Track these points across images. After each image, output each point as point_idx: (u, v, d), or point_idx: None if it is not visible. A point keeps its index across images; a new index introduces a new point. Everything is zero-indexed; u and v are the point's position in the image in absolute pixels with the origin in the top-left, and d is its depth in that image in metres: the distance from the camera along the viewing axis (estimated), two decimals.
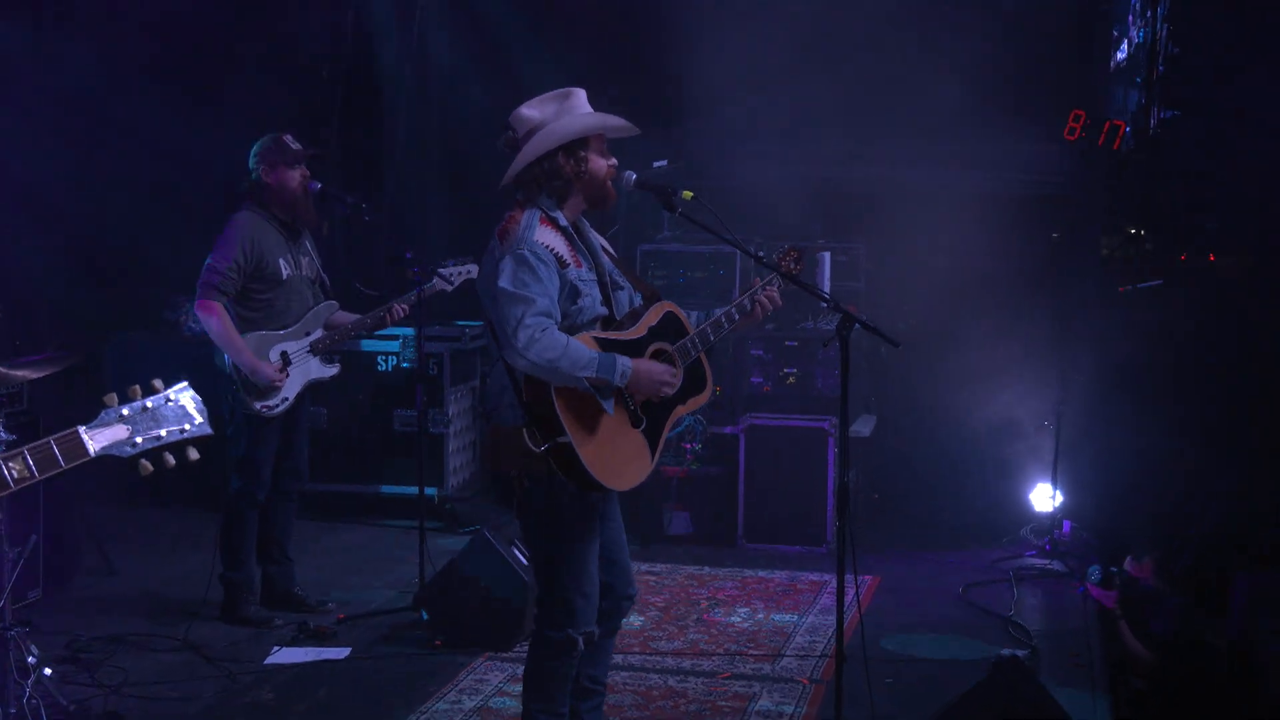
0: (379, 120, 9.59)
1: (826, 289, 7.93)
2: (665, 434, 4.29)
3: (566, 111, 4.24)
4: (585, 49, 8.92)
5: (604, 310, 4.28)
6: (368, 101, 9.51)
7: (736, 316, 4.43)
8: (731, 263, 8.09)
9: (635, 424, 4.20)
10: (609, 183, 4.31)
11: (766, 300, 4.44)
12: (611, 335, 4.21)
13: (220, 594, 6.31)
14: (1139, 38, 8.24)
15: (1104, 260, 8.94)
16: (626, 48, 8.95)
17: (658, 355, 4.26)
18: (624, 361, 4.11)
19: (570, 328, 4.14)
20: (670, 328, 4.35)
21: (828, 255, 8.15)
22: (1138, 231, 9.24)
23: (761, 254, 4.59)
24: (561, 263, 4.14)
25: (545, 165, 4.22)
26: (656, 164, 8.12)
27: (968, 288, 8.29)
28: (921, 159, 8.60)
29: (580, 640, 4.27)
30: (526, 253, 4.08)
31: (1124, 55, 9.03)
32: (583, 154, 4.24)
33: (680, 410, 4.34)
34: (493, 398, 4.25)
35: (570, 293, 4.16)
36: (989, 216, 8.48)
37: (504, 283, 4.05)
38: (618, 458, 4.15)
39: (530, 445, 4.05)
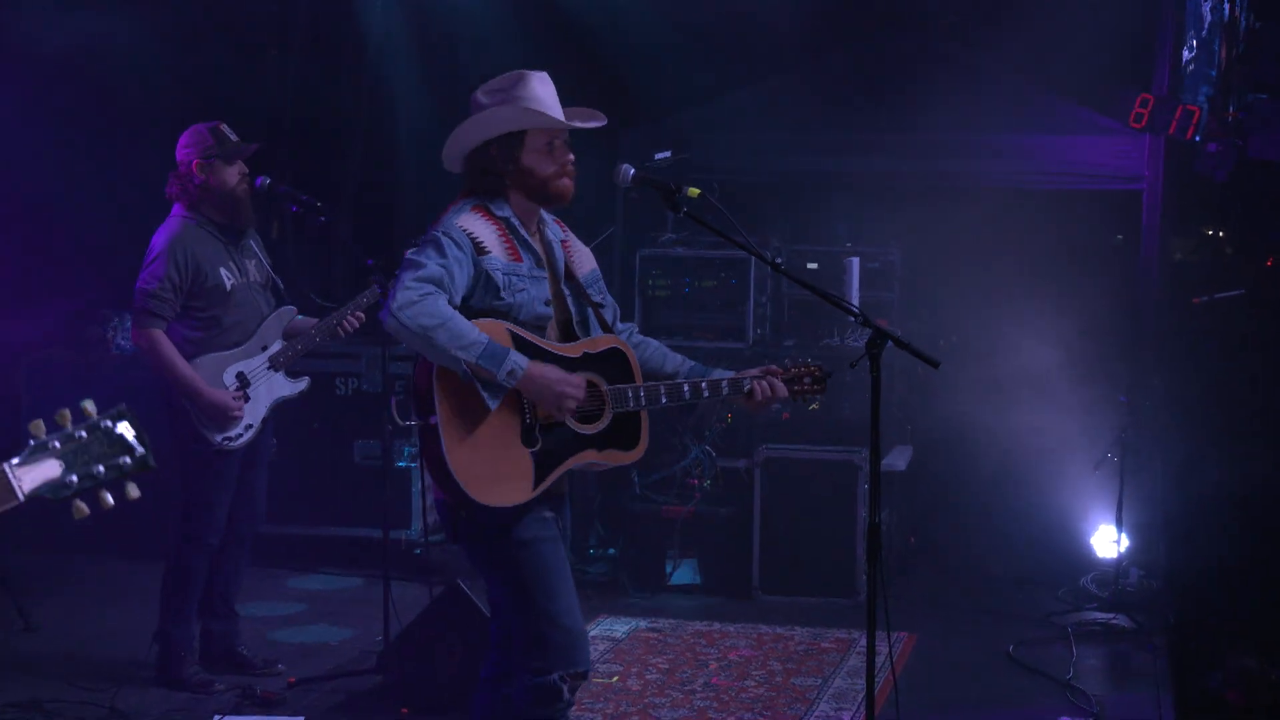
0: (338, 106, 9.62)
1: (855, 300, 7.94)
2: (562, 469, 4.28)
3: (510, 100, 4.32)
4: (573, 22, 8.96)
5: (549, 312, 4.34)
6: (324, 84, 9.53)
7: (724, 391, 4.42)
8: (744, 269, 8.09)
9: (527, 441, 4.22)
10: (557, 182, 4.37)
11: (768, 388, 4.45)
12: (534, 339, 4.26)
13: (154, 653, 6.29)
14: (1210, 15, 8.27)
15: (1176, 266, 8.96)
16: (621, 21, 8.97)
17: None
18: (518, 358, 4.14)
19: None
20: (614, 366, 4.39)
21: (856, 261, 8.16)
22: (1215, 233, 9.26)
23: (779, 260, 4.62)
24: (479, 249, 4.24)
25: (479, 157, 4.37)
26: (659, 156, 8.14)
27: (1017, 299, 8.29)
28: (965, 151, 8.62)
29: (565, 688, 4.27)
30: (439, 234, 4.23)
31: (1200, 29, 9.05)
32: (515, 149, 4.34)
33: (592, 456, 4.33)
34: None
35: (486, 283, 4.23)
36: (1042, 216, 8.50)
37: (409, 257, 4.20)
38: (488, 466, 4.17)
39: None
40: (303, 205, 6.40)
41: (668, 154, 8.24)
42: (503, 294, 4.25)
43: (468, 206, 4.32)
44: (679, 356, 4.56)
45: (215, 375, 6.08)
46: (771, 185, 8.89)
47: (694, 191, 4.37)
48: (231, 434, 6.11)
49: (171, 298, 6.03)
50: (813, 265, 8.35)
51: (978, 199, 8.50)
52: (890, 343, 4.27)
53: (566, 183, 4.38)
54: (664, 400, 4.39)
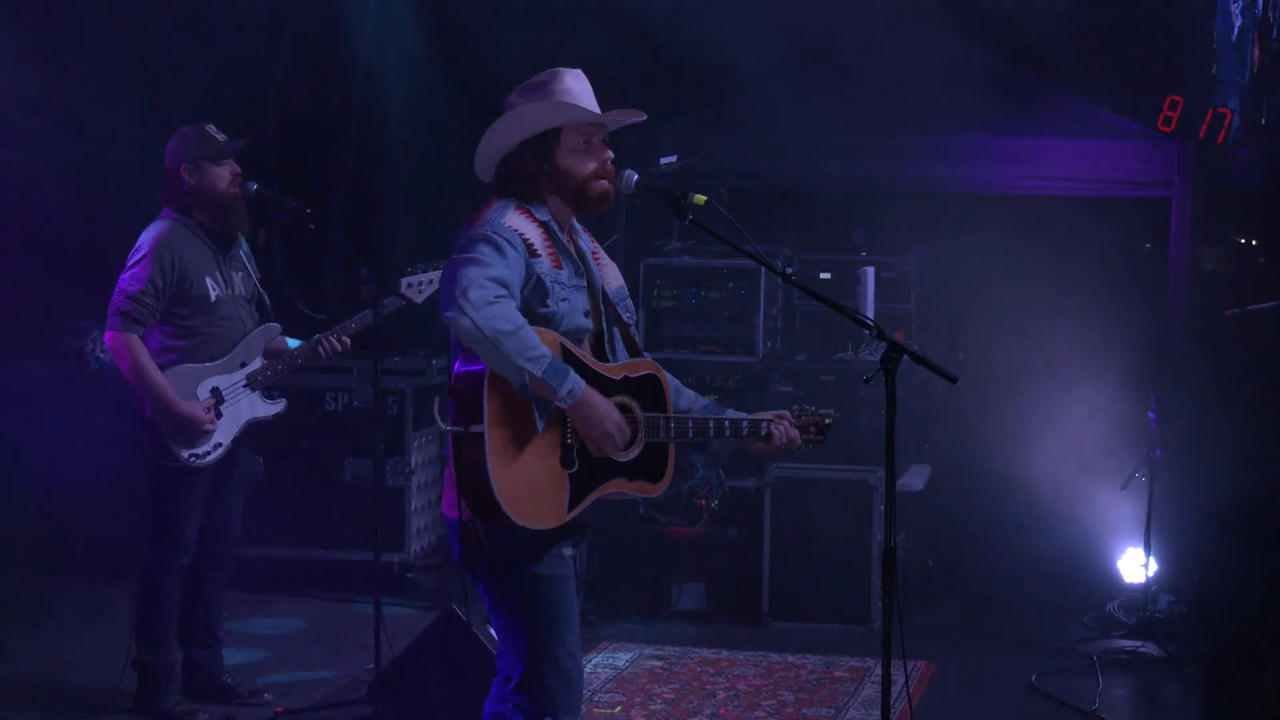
0: (329, 107, 9.62)
1: (870, 311, 7.94)
2: (594, 495, 4.27)
3: (544, 97, 4.31)
4: (580, 17, 8.98)
5: (588, 324, 4.33)
6: (315, 84, 9.53)
7: (744, 432, 4.44)
8: (754, 280, 8.08)
9: (565, 463, 4.22)
10: (596, 184, 4.35)
11: (786, 435, 4.46)
12: (582, 355, 4.25)
13: (134, 682, 6.27)
14: (1239, 19, 8.28)
15: (1206, 276, 8.95)
16: (627, 19, 8.98)
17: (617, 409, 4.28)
18: (578, 380, 4.13)
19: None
20: (649, 392, 4.38)
21: (871, 271, 8.16)
22: (1247, 242, 9.24)
23: (790, 270, 4.62)
24: (531, 251, 4.21)
25: (512, 159, 4.34)
26: (664, 160, 8.14)
27: (1039, 310, 8.29)
28: (985, 154, 8.63)
29: None
30: (489, 232, 4.18)
31: (1230, 29, 9.06)
32: (550, 149, 4.31)
33: (622, 485, 4.32)
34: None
35: (537, 288, 4.21)
36: (1066, 224, 8.50)
37: (462, 255, 4.14)
38: (527, 484, 4.15)
39: (437, 418, 4.19)
40: (291, 211, 6.40)
41: (673, 158, 8.23)
42: (549, 301, 4.22)
43: (510, 206, 4.28)
44: (692, 393, 4.56)
45: (189, 387, 6.07)
46: (782, 191, 8.89)
47: (700, 198, 4.37)
48: (199, 450, 6.09)
49: (152, 303, 6.02)
50: (825, 275, 8.34)
51: (998, 206, 8.50)
52: (906, 357, 4.26)
53: (605, 185, 4.35)
54: (691, 434, 4.40)
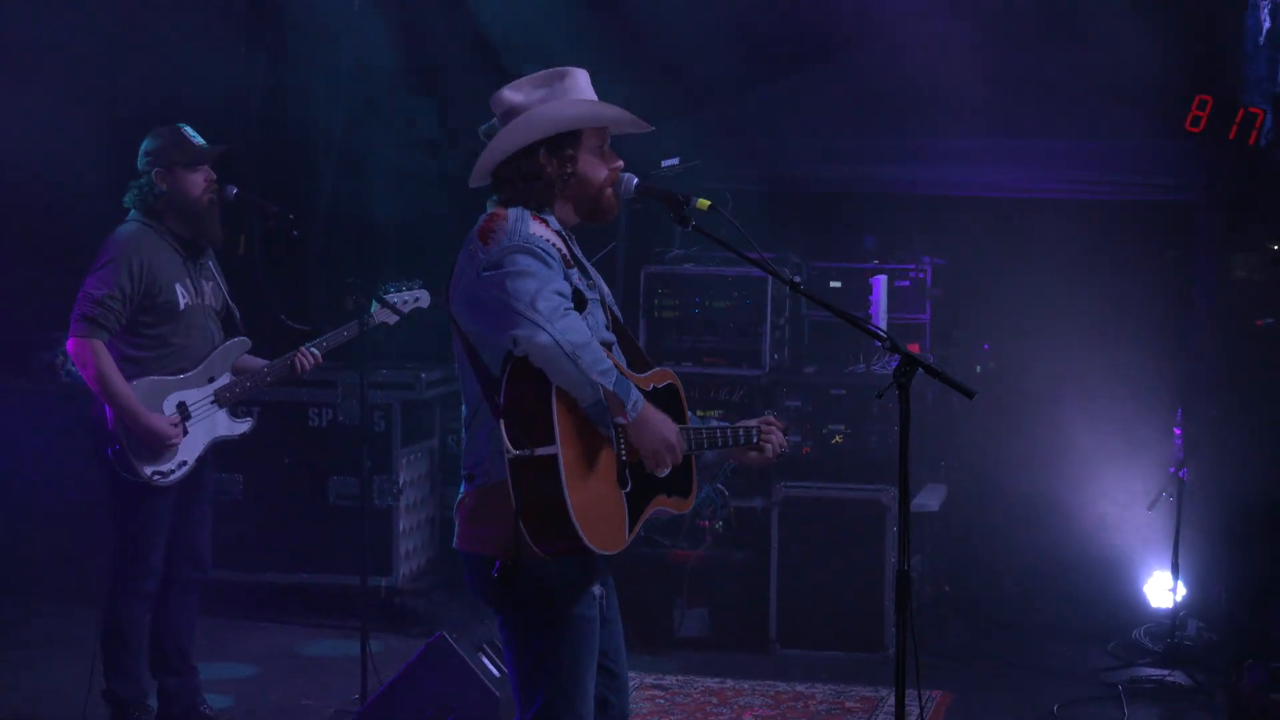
0: (310, 107, 9.63)
1: (882, 322, 7.94)
2: (645, 516, 4.24)
3: (557, 96, 4.25)
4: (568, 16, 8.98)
5: (611, 337, 4.30)
6: (295, 85, 9.54)
7: (741, 439, 4.42)
8: (760, 289, 8.07)
9: (621, 483, 4.20)
10: (607, 191, 4.32)
11: (781, 443, 4.46)
12: (623, 367, 4.22)
13: (103, 713, 6.26)
14: (1268, 21, 8.29)
15: (1236, 284, 8.95)
16: (622, 15, 8.99)
17: None
18: (639, 393, 4.10)
19: None
20: (672, 403, 4.36)
21: (883, 279, 8.16)
22: None
23: (799, 278, 4.61)
24: (565, 261, 4.16)
25: (523, 163, 4.23)
26: (665, 163, 8.13)
27: (1060, 320, 8.29)
28: (1003, 156, 8.63)
29: None
30: (522, 244, 4.07)
31: (1259, 30, 9.06)
32: (570, 152, 4.26)
33: (663, 503, 4.29)
34: (477, 450, 4.21)
35: (575, 300, 4.14)
36: (1087, 230, 8.50)
37: (505, 270, 4.01)
38: (600, 508, 4.10)
39: (507, 443, 3.99)
40: (274, 217, 6.41)
41: (675, 161, 8.22)
42: (585, 315, 4.15)
43: (526, 215, 4.17)
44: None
45: (154, 400, 6.05)
46: (790, 196, 8.89)
47: (704, 203, 4.34)
48: (163, 468, 6.07)
49: (119, 308, 6.01)
50: (836, 284, 8.34)
51: (1017, 210, 8.51)
52: (921, 370, 4.25)
53: (612, 193, 4.31)
54: (705, 444, 4.37)
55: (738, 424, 4.45)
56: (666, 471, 4.22)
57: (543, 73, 4.29)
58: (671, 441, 4.15)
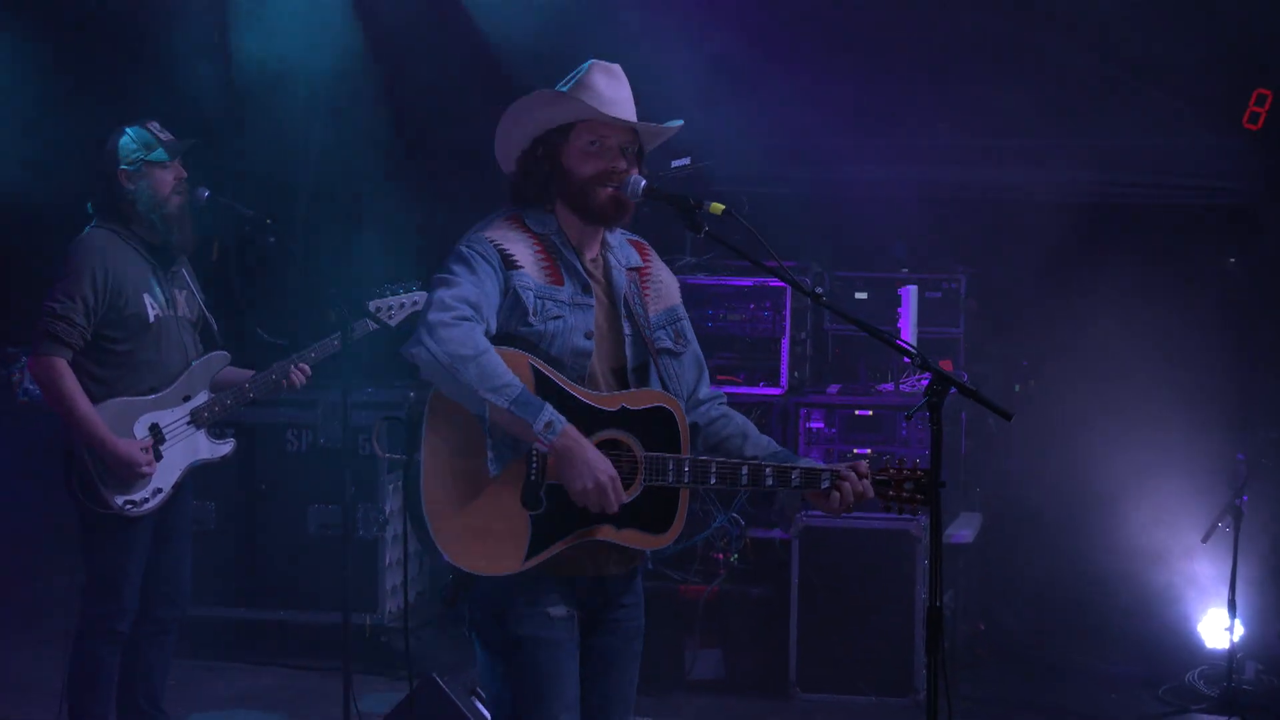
0: (290, 99, 9.64)
1: (912, 337, 7.94)
2: (564, 544, 4.21)
3: (562, 88, 4.34)
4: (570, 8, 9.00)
5: (587, 345, 4.30)
6: (272, 80, 9.55)
7: (794, 482, 4.33)
8: (779, 300, 8.09)
9: (529, 502, 4.18)
10: (600, 190, 4.34)
11: (853, 491, 4.33)
12: (561, 380, 4.22)
13: None
14: None
15: None
16: (623, 7, 9.01)
17: (606, 445, 4.23)
18: (556, 415, 4.10)
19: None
20: (657, 428, 4.32)
21: (913, 290, 8.16)
22: None
23: (821, 289, 4.61)
24: (508, 262, 4.23)
25: (523, 160, 4.40)
26: (675, 164, 8.14)
27: (1106, 335, 8.28)
28: (1045, 156, 8.64)
29: None
30: (463, 248, 4.25)
31: None
32: (554, 149, 4.34)
33: (608, 534, 4.24)
34: None
35: (514, 304, 4.22)
36: (1138, 235, 8.51)
37: (437, 276, 4.21)
38: (475, 524, 4.14)
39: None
40: (249, 221, 6.41)
41: (686, 161, 8.24)
42: (531, 319, 4.23)
43: (499, 217, 4.34)
44: (766, 439, 4.50)
45: (124, 423, 6.02)
46: (811, 199, 8.90)
47: (717, 207, 4.35)
48: (135, 497, 6.04)
49: (82, 323, 5.99)
50: (861, 295, 8.34)
51: (1058, 215, 8.50)
52: (954, 390, 4.25)
53: (609, 193, 4.32)
54: (713, 479, 4.32)
55: (778, 465, 4.35)
56: (624, 499, 4.18)
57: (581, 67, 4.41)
58: (600, 479, 4.10)
